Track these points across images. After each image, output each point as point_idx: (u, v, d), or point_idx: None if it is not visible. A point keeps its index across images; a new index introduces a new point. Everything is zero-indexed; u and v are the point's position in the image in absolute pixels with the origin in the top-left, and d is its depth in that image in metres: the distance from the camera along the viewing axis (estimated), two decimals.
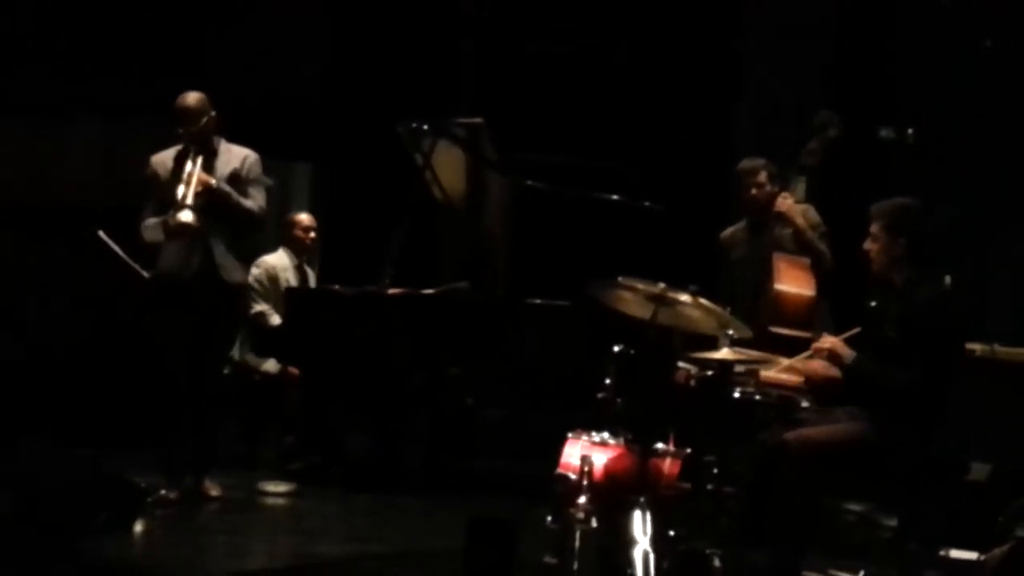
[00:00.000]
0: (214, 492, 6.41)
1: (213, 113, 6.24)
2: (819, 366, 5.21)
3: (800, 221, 5.92)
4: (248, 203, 6.28)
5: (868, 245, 5.26)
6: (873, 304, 5.31)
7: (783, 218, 5.95)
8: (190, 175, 6.07)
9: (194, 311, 6.22)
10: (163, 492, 6.21)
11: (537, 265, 7.14)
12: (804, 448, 5.01)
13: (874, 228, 5.23)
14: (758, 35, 8.93)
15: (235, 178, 6.29)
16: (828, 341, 5.17)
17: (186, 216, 6.00)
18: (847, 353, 5.11)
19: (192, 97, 6.20)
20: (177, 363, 6.25)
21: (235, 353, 7.32)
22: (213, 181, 6.16)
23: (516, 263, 7.34)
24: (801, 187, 6.03)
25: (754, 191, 6.08)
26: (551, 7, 9.35)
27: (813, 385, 5.37)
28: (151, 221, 6.22)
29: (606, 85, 9.25)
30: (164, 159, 6.31)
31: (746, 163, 6.15)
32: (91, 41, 8.56)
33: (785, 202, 5.92)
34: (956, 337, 5.32)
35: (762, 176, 6.07)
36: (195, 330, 6.24)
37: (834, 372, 5.15)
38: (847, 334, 5.16)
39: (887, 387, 5.04)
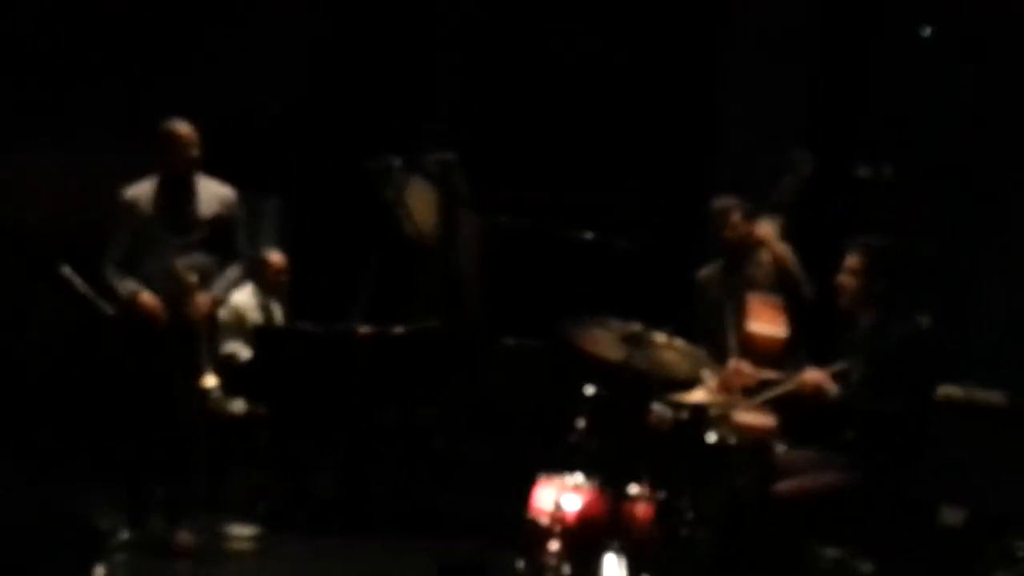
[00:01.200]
0: (185, 542, 6.14)
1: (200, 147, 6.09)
2: (818, 376, 5.06)
3: (779, 248, 5.79)
4: (236, 274, 6.27)
5: (843, 280, 5.12)
6: (844, 340, 5.21)
7: (762, 244, 5.83)
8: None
9: (162, 351, 6.06)
10: (125, 535, 6.07)
11: (510, 303, 7.06)
12: (796, 500, 4.92)
13: (854, 263, 5.09)
14: (737, 66, 8.87)
15: (218, 222, 6.15)
16: (814, 377, 5.06)
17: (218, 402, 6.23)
18: (833, 388, 5.01)
19: (185, 125, 6.03)
20: (145, 402, 6.10)
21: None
22: (220, 295, 6.17)
23: (489, 301, 7.27)
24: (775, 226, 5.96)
25: (727, 232, 6.00)
26: (530, 32, 9.27)
27: (790, 419, 5.32)
28: (121, 281, 6.07)
29: (584, 112, 9.18)
30: (141, 193, 6.12)
31: (719, 203, 6.06)
32: (52, 64, 8.48)
33: (765, 228, 5.80)
34: (929, 376, 5.24)
35: (735, 216, 5.99)
36: (163, 370, 6.09)
37: (830, 384, 5.02)
38: (833, 370, 5.06)
39: (868, 421, 4.94)
